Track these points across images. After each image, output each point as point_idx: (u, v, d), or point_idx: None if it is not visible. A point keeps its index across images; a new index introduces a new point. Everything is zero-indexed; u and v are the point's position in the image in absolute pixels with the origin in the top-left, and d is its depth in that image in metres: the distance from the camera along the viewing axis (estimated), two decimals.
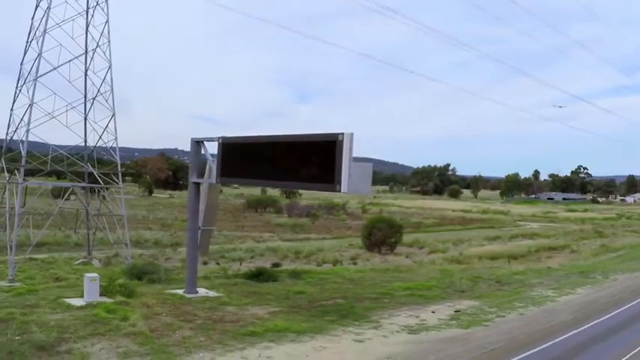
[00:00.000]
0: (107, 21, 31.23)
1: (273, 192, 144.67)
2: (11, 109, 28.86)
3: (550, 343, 17.92)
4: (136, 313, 19.00)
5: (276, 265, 38.18)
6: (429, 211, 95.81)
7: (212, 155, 23.24)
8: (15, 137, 28.20)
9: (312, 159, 17.67)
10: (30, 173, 33.26)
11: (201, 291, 23.98)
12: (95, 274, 21.17)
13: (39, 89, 28.66)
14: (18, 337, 15.46)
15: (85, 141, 31.95)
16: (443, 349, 17.20)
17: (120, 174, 32.03)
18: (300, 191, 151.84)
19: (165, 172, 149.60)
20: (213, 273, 31.96)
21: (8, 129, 28.73)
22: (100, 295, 20.80)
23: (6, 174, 28.23)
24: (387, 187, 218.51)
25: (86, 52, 31.43)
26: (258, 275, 27.54)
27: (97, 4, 31.35)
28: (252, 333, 18.21)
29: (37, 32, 29.04)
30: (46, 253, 36.20)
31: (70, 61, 29.86)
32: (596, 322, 20.89)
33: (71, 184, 31.98)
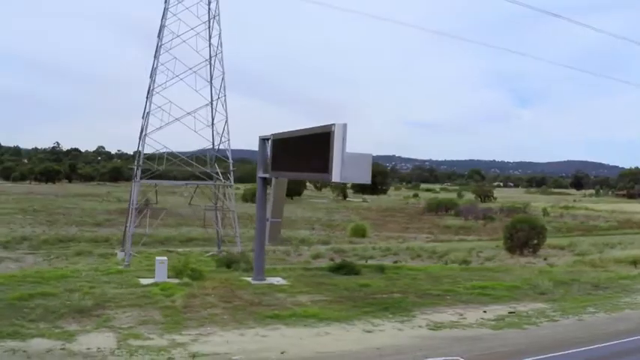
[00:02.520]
0: (220, 33, 35.06)
1: (469, 194, 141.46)
2: (142, 117, 33.94)
3: (574, 350, 15.78)
4: (184, 291, 21.36)
5: (396, 262, 38.30)
6: (617, 214, 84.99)
7: None
8: (145, 143, 33.08)
9: (314, 150, 18.22)
10: (173, 176, 38.34)
11: (272, 279, 25.54)
12: (164, 258, 24.15)
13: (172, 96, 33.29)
14: (68, 302, 18.72)
15: (213, 144, 35.86)
16: (443, 346, 16.33)
17: (232, 173, 35.38)
18: (495, 194, 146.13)
19: None
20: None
21: (141, 134, 33.82)
22: (170, 277, 23.65)
23: (137, 176, 33.15)
24: (593, 191, 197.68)
25: (210, 61, 35.33)
26: (339, 268, 28.25)
27: (214, 17, 35.29)
28: (275, 316, 19.23)
29: (161, 48, 33.79)
30: (191, 247, 41.17)
31: (192, 70, 33.96)
32: None
33: (184, 182, 35.99)
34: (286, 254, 42.94)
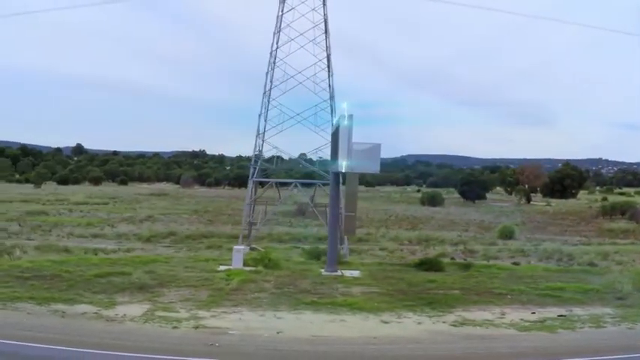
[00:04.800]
0: (328, 37, 36.69)
1: None
2: (265, 120, 36.87)
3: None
4: (244, 277, 23.30)
5: (516, 263, 36.29)
6: None
7: None
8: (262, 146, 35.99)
9: (335, 143, 18.87)
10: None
11: (347, 272, 26.25)
12: (242, 247, 26.36)
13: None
14: (137, 280, 21.80)
15: (334, 147, 37.48)
16: (445, 342, 15.92)
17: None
18: None
19: (542, 180, 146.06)
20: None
21: (260, 135, 36.77)
22: (246, 265, 25.73)
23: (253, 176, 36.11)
24: None
25: (329, 64, 37.16)
26: (422, 264, 27.94)
27: (324, 20, 37.06)
28: (312, 303, 20.14)
29: (275, 59, 36.47)
30: (321, 244, 42.95)
31: (303, 75, 36.15)
32: None
33: (294, 180, 37.55)
34: (411, 252, 42.79)
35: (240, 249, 26.16)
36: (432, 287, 23.23)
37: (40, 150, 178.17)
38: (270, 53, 37.18)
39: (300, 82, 37.12)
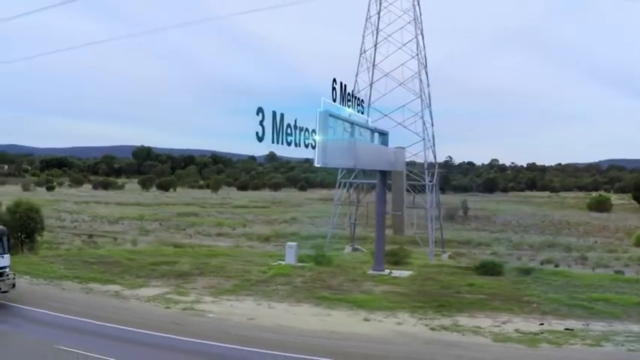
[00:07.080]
0: (424, 46, 36.59)
1: None
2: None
3: None
4: (282, 270, 24.63)
5: (619, 272, 32.46)
6: None
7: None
8: None
9: None
10: None
11: (397, 272, 25.96)
12: (294, 244, 27.55)
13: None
14: (183, 269, 24.42)
15: (434, 152, 37.51)
16: (399, 343, 15.78)
17: (427, 174, 35.81)
18: None
19: None
20: None
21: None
22: (301, 261, 26.88)
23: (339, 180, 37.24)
24: None
25: (425, 66, 37.08)
26: (480, 267, 26.58)
27: (421, 32, 36.99)
28: (322, 298, 20.88)
29: (367, 65, 37.29)
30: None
31: (400, 83, 36.46)
32: None
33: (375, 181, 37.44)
34: (518, 258, 40.04)
35: (292, 245, 27.41)
36: (463, 291, 22.21)
37: (231, 158, 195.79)
38: (361, 55, 38.00)
39: (400, 84, 37.50)
